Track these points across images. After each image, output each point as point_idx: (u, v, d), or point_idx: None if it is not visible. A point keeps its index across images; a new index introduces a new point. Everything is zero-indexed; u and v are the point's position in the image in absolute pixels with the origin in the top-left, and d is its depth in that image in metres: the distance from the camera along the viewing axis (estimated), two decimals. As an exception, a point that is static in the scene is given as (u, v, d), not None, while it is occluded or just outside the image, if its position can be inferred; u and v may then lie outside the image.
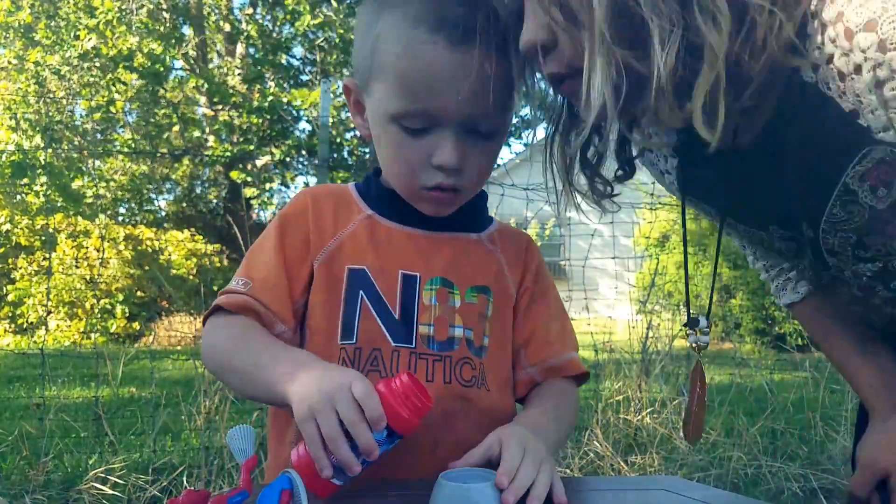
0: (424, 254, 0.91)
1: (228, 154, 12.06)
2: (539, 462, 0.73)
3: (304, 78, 13.04)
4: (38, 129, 10.68)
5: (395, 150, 0.85)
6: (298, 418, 0.70)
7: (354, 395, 0.68)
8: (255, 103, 11.60)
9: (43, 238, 9.29)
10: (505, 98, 0.85)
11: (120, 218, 12.82)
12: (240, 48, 12.91)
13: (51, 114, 11.34)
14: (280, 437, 0.91)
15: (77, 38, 10.85)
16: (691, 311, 0.96)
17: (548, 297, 0.99)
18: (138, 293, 8.98)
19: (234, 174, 12.11)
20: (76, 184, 11.20)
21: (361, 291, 0.88)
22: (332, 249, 0.90)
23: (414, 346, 0.86)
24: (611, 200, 0.89)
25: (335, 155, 11.76)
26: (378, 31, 0.83)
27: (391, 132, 0.84)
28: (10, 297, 8.85)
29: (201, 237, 10.51)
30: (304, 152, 12.33)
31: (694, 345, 0.95)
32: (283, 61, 12.72)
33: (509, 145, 15.68)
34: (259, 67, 12.28)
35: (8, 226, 9.35)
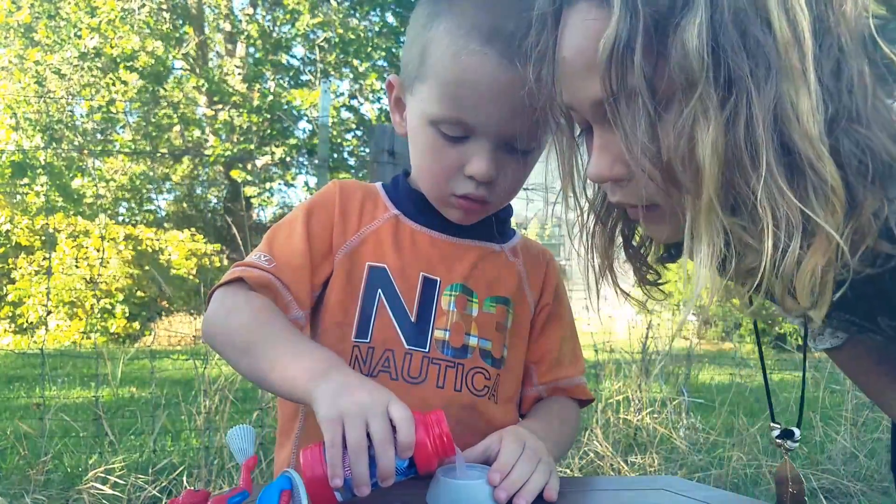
0: (447, 259, 0.90)
1: (228, 154, 12.06)
2: (536, 460, 0.73)
3: (305, 78, 13.04)
4: (38, 128, 10.69)
5: (430, 153, 0.85)
6: (324, 417, 0.66)
7: (392, 415, 0.65)
8: (256, 103, 11.61)
9: (43, 238, 9.30)
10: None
11: (120, 218, 12.83)
12: (240, 48, 12.92)
13: (51, 113, 11.35)
14: (285, 435, 0.92)
15: (79, 37, 10.86)
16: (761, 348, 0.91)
17: (564, 317, 1.00)
18: (138, 293, 8.98)
19: (234, 173, 12.11)
20: (76, 183, 11.21)
21: (380, 290, 0.87)
22: (354, 244, 0.90)
23: (427, 350, 0.86)
24: (659, 289, 0.82)
25: (335, 155, 11.76)
26: (431, 35, 0.82)
27: (428, 135, 0.84)
28: (11, 297, 8.86)
29: (201, 237, 10.52)
30: (304, 152, 12.34)
31: (781, 446, 0.90)
32: (284, 61, 12.73)
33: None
34: (259, 67, 12.29)
35: (8, 226, 9.36)
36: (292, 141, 12.08)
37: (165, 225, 12.70)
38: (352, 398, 0.66)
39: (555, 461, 0.82)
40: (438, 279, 0.89)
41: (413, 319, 0.86)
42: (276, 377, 0.75)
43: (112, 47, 10.78)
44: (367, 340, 0.86)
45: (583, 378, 0.99)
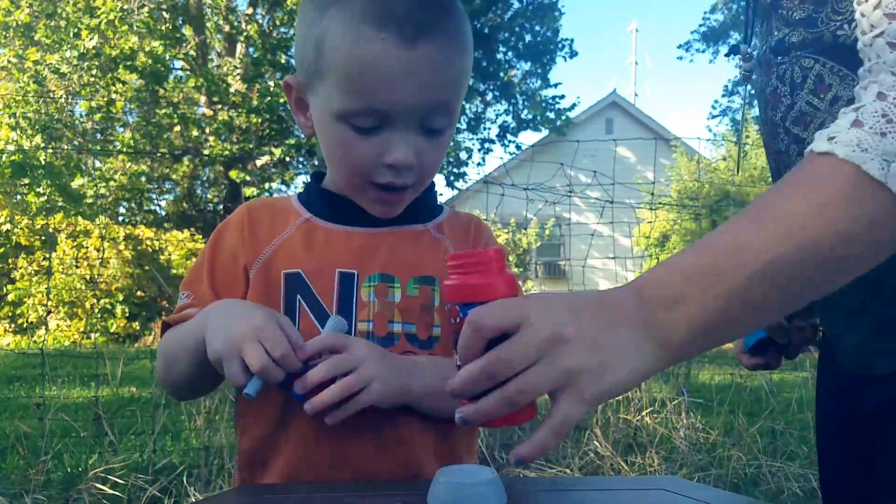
0: (363, 251, 0.90)
1: (227, 153, 12.07)
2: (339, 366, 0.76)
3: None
4: (37, 128, 10.69)
5: (344, 149, 0.84)
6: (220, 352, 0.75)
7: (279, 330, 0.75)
8: (255, 103, 11.62)
9: (43, 238, 9.31)
10: (458, 93, 0.85)
11: (120, 218, 12.83)
12: (239, 48, 12.93)
13: (50, 113, 11.35)
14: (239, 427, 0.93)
15: (78, 37, 10.86)
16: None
17: None
18: (138, 293, 8.99)
19: (233, 173, 12.13)
20: (76, 183, 11.21)
21: (298, 295, 0.87)
22: (267, 256, 0.90)
23: None
24: None
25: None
26: (323, 29, 0.81)
27: (339, 131, 0.83)
28: (11, 297, 8.87)
29: (201, 237, 10.52)
30: (304, 152, 12.35)
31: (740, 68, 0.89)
32: (283, 61, 12.74)
33: (505, 146, 15.70)
34: (258, 67, 12.30)
35: (8, 226, 9.36)
36: (291, 141, 12.10)
37: (165, 225, 12.72)
38: (238, 329, 0.74)
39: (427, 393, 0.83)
40: (355, 272, 0.89)
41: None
42: (192, 359, 0.83)
43: (111, 48, 10.78)
44: None
45: None
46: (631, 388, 0.60)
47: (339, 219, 0.92)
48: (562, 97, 15.64)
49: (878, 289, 0.76)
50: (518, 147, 15.45)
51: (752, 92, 0.94)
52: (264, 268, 0.90)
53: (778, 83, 0.80)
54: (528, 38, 15.20)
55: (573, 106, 15.56)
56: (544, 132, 15.62)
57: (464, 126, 14.78)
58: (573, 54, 15.58)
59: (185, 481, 2.67)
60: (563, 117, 14.99)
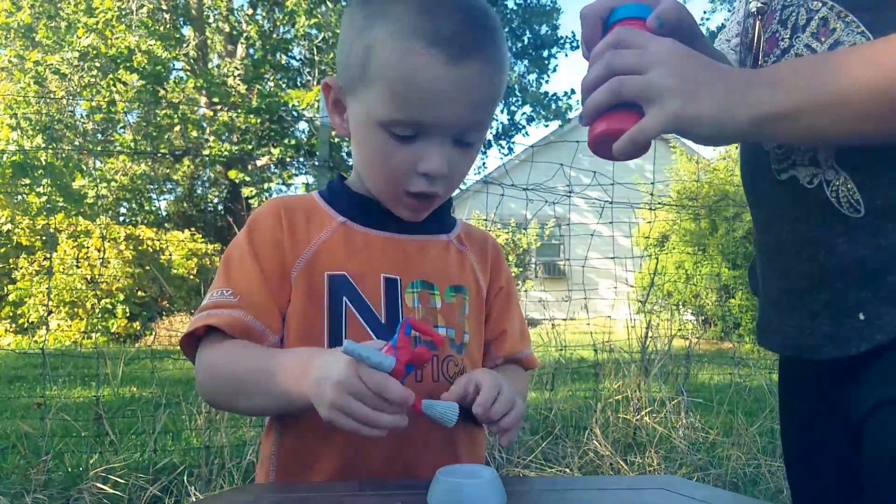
0: (402, 257, 0.93)
1: (226, 154, 12.07)
2: (512, 400, 0.82)
3: (307, 78, 13.04)
4: (38, 128, 10.69)
5: (381, 155, 0.86)
6: (326, 418, 0.73)
7: (366, 381, 0.71)
8: (254, 104, 11.61)
9: (44, 238, 9.31)
10: (493, 110, 0.89)
11: (121, 218, 12.84)
12: (240, 49, 12.93)
13: (51, 113, 11.35)
14: (268, 428, 0.94)
15: (76, 36, 10.87)
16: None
17: (514, 297, 1.06)
18: (139, 293, 8.98)
19: (231, 174, 12.12)
20: (77, 183, 11.21)
21: (345, 297, 0.89)
22: (308, 257, 0.90)
23: None
24: None
25: (334, 154, 11.76)
26: (371, 39, 0.83)
27: (378, 137, 0.85)
28: (11, 297, 8.86)
29: (201, 237, 10.52)
30: (304, 152, 12.34)
31: None
32: (283, 62, 12.75)
33: (501, 149, 15.77)
34: (259, 68, 12.30)
35: (9, 226, 9.36)
36: (291, 141, 12.10)
37: (166, 225, 12.72)
38: (329, 387, 0.72)
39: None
40: (398, 278, 0.91)
41: (383, 321, 0.88)
42: (274, 403, 0.83)
43: (108, 46, 10.78)
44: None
45: (531, 349, 1.06)
46: (701, 131, 0.70)
47: (372, 223, 0.94)
48: (568, 97, 15.65)
49: (827, 269, 0.75)
50: (511, 149, 15.52)
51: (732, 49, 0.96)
52: (306, 268, 0.90)
53: (779, 27, 0.81)
54: (526, 38, 15.22)
55: (573, 91, 15.60)
56: (545, 128, 15.66)
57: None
58: (575, 47, 15.65)
59: (185, 481, 2.68)
60: (566, 103, 15.07)
